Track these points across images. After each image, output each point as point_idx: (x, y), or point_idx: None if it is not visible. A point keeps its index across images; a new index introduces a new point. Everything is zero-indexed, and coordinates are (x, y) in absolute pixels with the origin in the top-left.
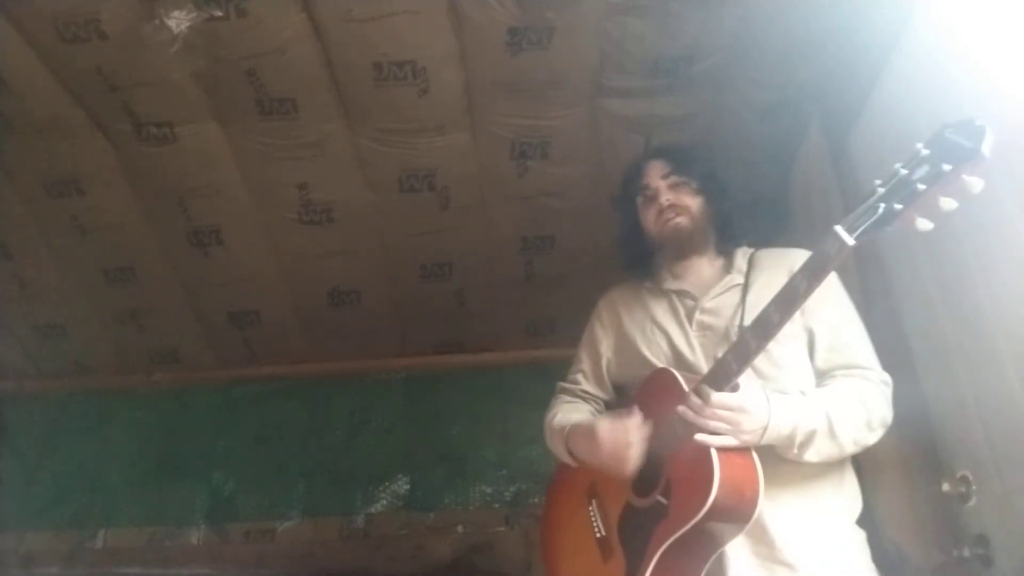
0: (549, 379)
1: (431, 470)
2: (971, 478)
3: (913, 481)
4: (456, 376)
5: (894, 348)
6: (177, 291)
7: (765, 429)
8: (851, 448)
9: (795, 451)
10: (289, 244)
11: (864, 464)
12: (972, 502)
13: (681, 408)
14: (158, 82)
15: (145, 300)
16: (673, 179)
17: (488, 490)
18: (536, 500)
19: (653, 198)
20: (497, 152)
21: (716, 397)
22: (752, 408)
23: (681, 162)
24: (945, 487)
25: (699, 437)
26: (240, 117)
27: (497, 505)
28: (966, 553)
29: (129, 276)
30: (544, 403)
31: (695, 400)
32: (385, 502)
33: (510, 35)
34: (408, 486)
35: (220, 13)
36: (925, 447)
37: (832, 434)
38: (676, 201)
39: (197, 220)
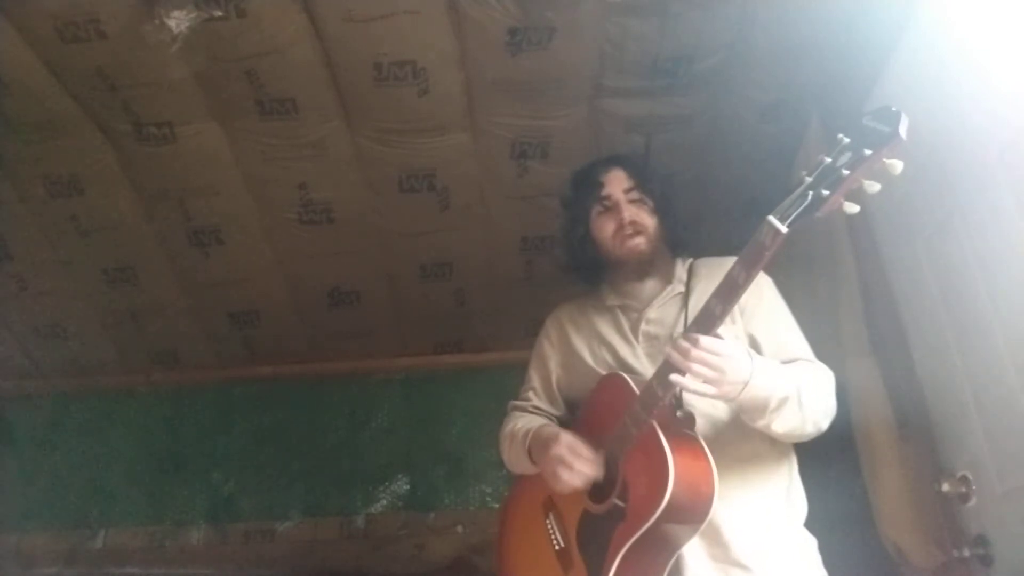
0: None
1: (431, 470)
2: (971, 478)
3: (913, 481)
4: (456, 376)
5: (894, 347)
6: (177, 291)
7: (746, 385)
8: (810, 427)
9: (766, 417)
10: (289, 244)
11: (864, 464)
12: (972, 502)
13: (668, 349)
14: (158, 82)
15: (145, 300)
16: (635, 195)
17: (488, 490)
18: None
19: (613, 210)
20: (497, 152)
21: (705, 340)
22: (737, 358)
23: (642, 177)
24: (945, 487)
25: (675, 378)
26: (240, 117)
27: (497, 505)
28: (966, 553)
29: (129, 276)
30: None
31: (682, 343)
32: (385, 502)
33: (510, 35)
34: (408, 486)
35: (220, 13)
36: (925, 447)
37: (801, 405)
38: (637, 219)
39: (197, 220)
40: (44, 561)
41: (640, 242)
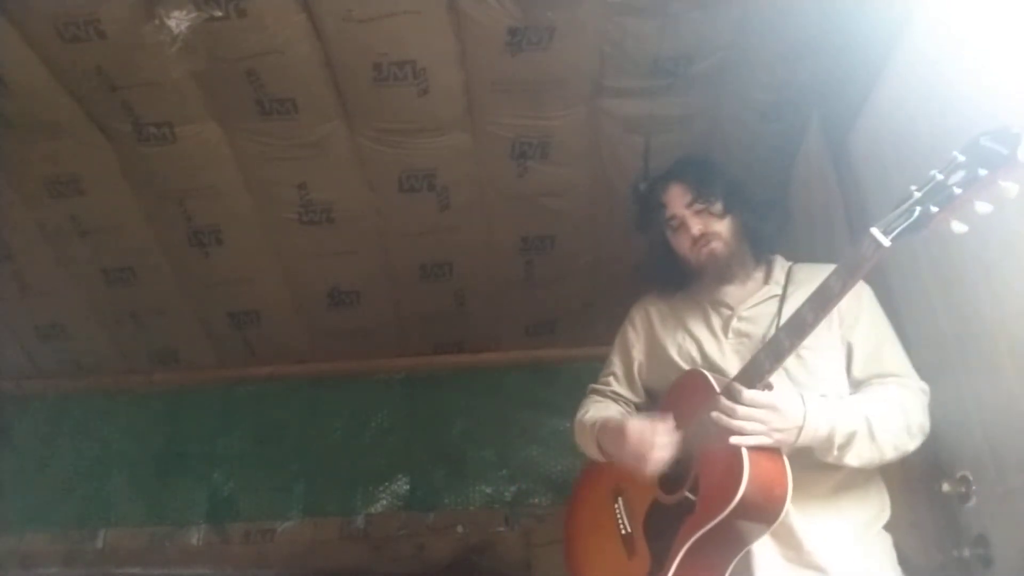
0: (549, 379)
1: (431, 470)
2: (971, 478)
3: (913, 481)
4: (456, 376)
5: None
6: (177, 291)
7: (800, 429)
8: (891, 453)
9: (835, 453)
10: (289, 244)
11: None
12: (972, 502)
13: (715, 414)
14: (158, 82)
15: (145, 300)
16: (698, 205)
17: (488, 490)
18: (536, 500)
19: (682, 227)
20: (497, 152)
21: (748, 394)
22: (785, 407)
23: (701, 185)
24: (945, 487)
25: (734, 440)
26: (240, 117)
27: (497, 505)
28: (966, 553)
29: (129, 276)
30: (544, 403)
31: (725, 402)
32: (385, 502)
33: (510, 35)
34: (408, 486)
35: (220, 13)
36: (925, 447)
37: (872, 437)
38: (706, 229)
39: (197, 220)
40: (44, 561)
41: (716, 247)
